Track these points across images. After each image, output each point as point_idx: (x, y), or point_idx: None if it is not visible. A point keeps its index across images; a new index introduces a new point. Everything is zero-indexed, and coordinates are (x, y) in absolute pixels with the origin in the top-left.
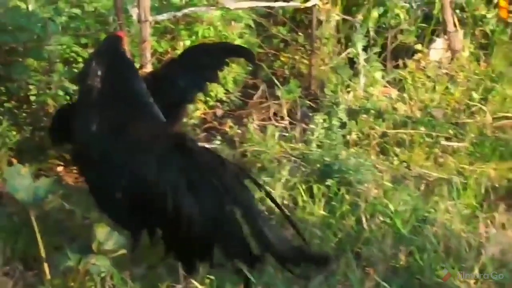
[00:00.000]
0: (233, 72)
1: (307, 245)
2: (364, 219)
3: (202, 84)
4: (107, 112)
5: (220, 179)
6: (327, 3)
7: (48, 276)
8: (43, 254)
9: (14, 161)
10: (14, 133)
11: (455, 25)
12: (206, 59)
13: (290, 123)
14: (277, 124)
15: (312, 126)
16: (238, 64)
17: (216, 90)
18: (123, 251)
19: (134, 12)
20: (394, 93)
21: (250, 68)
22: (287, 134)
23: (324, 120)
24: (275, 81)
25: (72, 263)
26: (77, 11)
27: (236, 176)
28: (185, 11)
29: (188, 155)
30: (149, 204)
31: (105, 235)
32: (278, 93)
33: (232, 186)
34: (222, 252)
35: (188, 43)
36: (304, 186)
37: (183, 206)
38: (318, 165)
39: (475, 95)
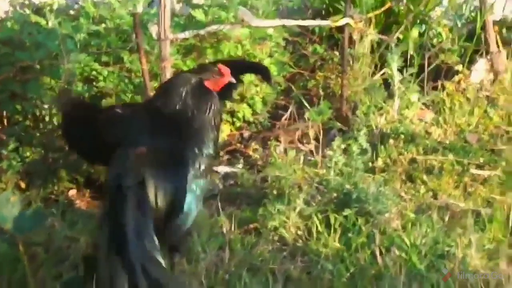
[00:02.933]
0: (262, 92)
1: None
2: (378, 253)
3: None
4: None
5: None
6: (360, 21)
7: None
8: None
9: (22, 184)
10: (26, 154)
11: (498, 45)
12: None
13: (317, 147)
14: (302, 147)
15: (330, 152)
16: (267, 84)
17: (244, 111)
18: None
19: (153, 30)
20: (429, 116)
21: (281, 88)
22: (312, 159)
23: (348, 145)
24: (304, 102)
25: None
26: (97, 27)
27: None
28: (208, 29)
29: None
30: None
31: None
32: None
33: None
34: None
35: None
36: (320, 216)
37: None
38: (336, 194)
39: None
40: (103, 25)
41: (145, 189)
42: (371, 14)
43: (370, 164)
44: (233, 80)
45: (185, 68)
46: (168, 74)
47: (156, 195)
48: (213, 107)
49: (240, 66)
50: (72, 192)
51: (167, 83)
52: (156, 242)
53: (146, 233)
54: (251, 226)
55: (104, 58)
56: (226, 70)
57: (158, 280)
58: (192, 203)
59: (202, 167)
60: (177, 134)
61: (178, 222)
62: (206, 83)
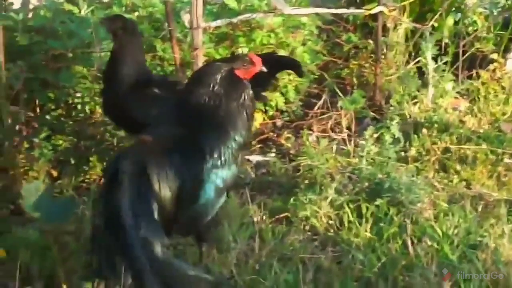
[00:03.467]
0: (295, 81)
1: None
2: (410, 243)
3: None
4: None
5: None
6: (394, 9)
7: None
8: (61, 277)
9: (54, 173)
10: (58, 142)
11: None
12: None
13: (350, 135)
14: (335, 136)
15: (362, 141)
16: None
17: (276, 99)
18: None
19: (186, 18)
20: (464, 105)
21: (314, 77)
22: (345, 148)
23: (381, 134)
24: (337, 90)
25: None
26: (130, 16)
27: None
28: (241, 17)
29: None
30: None
31: None
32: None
33: None
34: None
35: (246, 50)
36: (352, 206)
37: None
38: (368, 183)
39: None
40: (136, 13)
41: (147, 177)
42: (405, 2)
43: (402, 153)
44: (264, 69)
45: (217, 57)
46: (200, 62)
47: (159, 184)
48: (243, 96)
49: (271, 61)
50: None
51: (198, 72)
52: (158, 229)
53: (143, 219)
54: (282, 215)
55: None
56: (257, 59)
57: (154, 267)
58: (211, 194)
59: (225, 157)
60: (198, 124)
61: (194, 212)
62: (237, 72)
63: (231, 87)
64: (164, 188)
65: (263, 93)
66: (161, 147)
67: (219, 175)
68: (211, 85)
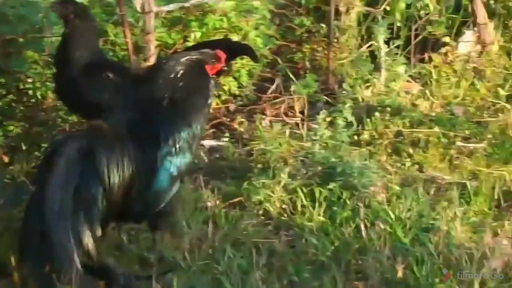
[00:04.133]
0: (248, 65)
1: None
2: (363, 227)
3: None
4: None
5: None
6: None
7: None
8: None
9: (5, 159)
10: (9, 128)
11: (485, 17)
12: None
13: (303, 120)
14: (288, 120)
15: (314, 125)
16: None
17: (229, 84)
18: None
19: (137, 2)
20: (416, 88)
21: (267, 61)
22: (298, 132)
23: (333, 118)
24: (290, 74)
25: None
26: (81, 0)
27: None
28: (193, 1)
29: None
30: None
31: None
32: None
33: None
34: None
35: (198, 34)
36: (305, 190)
37: None
38: (321, 167)
39: (502, 92)
40: None
41: (92, 161)
42: None
43: (355, 137)
44: (226, 68)
45: (170, 42)
46: (152, 47)
47: (107, 169)
48: (208, 91)
49: (225, 48)
50: None
51: (163, 59)
52: (91, 219)
53: (75, 207)
54: (236, 200)
55: None
56: (223, 55)
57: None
58: (164, 181)
59: (180, 144)
60: (155, 111)
61: (147, 199)
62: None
63: (198, 80)
64: (113, 174)
65: (218, 81)
66: (114, 132)
67: (173, 163)
68: (176, 74)
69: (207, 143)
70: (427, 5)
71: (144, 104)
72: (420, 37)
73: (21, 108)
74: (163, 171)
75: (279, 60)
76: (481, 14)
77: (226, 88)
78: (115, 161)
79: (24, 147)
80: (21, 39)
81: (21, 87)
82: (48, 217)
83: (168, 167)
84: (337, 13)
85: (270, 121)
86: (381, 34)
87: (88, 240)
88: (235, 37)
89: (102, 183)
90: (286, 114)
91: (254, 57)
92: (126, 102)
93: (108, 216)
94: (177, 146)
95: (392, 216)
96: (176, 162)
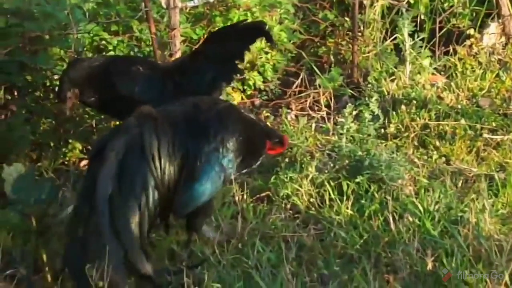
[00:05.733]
0: (273, 59)
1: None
2: (391, 220)
3: (229, 76)
4: None
5: None
6: None
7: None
8: (44, 259)
9: (34, 155)
10: (37, 125)
11: (509, 9)
12: (229, 48)
13: (329, 113)
14: (314, 114)
15: (341, 119)
16: (277, 51)
17: (255, 79)
18: None
19: None
20: (441, 81)
21: (292, 55)
22: (324, 126)
23: (359, 112)
24: (315, 68)
25: None
26: None
27: None
28: None
29: None
30: None
31: None
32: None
33: None
34: None
35: None
36: (333, 183)
37: None
38: (348, 161)
39: None
40: None
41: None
42: None
43: (382, 130)
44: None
45: (194, 37)
46: (178, 42)
47: (158, 153)
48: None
49: (240, 29)
50: (84, 163)
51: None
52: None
53: (124, 202)
54: (263, 194)
55: (114, 28)
56: (287, 141)
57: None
58: (209, 176)
59: (228, 145)
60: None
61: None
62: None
63: (255, 145)
64: (163, 159)
65: (239, 66)
66: (165, 118)
67: (219, 160)
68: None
69: None
70: None
71: (196, 99)
72: (444, 29)
73: (48, 105)
74: (208, 166)
75: (304, 54)
76: (505, 5)
77: (251, 82)
78: (166, 147)
79: (51, 144)
80: (47, 36)
81: (48, 84)
82: (99, 210)
83: (214, 163)
84: (361, 6)
85: (296, 115)
86: (406, 27)
87: (142, 234)
88: None
89: (153, 173)
90: (311, 108)
91: (270, 38)
92: (165, 96)
93: (158, 209)
94: (226, 145)
95: (421, 208)
96: (222, 160)
